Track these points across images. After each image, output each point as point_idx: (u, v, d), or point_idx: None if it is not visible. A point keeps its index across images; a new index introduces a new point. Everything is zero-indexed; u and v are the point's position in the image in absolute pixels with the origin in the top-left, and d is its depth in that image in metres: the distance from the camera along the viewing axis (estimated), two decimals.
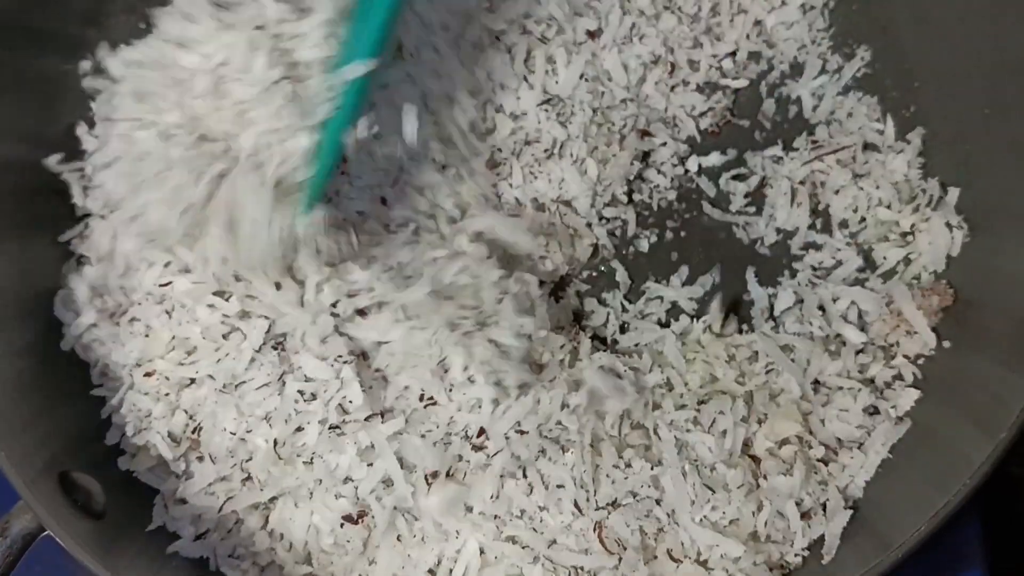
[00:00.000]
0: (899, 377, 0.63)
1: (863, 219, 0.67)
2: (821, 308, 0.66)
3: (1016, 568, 0.73)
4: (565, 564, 0.58)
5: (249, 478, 0.61)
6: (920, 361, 0.63)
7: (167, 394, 0.62)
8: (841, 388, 0.63)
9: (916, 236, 0.65)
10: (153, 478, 0.63)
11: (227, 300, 0.62)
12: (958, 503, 0.53)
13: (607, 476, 0.59)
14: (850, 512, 0.59)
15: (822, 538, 0.59)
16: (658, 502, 0.59)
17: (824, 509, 0.60)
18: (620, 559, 0.58)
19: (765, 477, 0.60)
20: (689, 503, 0.58)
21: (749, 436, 0.61)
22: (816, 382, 0.64)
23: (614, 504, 0.59)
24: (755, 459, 0.61)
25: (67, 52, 0.68)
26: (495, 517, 0.60)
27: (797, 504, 0.59)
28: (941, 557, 0.70)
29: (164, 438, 0.61)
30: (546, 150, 0.68)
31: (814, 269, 0.67)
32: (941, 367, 0.63)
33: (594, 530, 0.58)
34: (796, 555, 0.59)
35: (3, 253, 0.63)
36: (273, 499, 0.61)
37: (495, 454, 0.60)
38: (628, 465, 0.60)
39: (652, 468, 0.59)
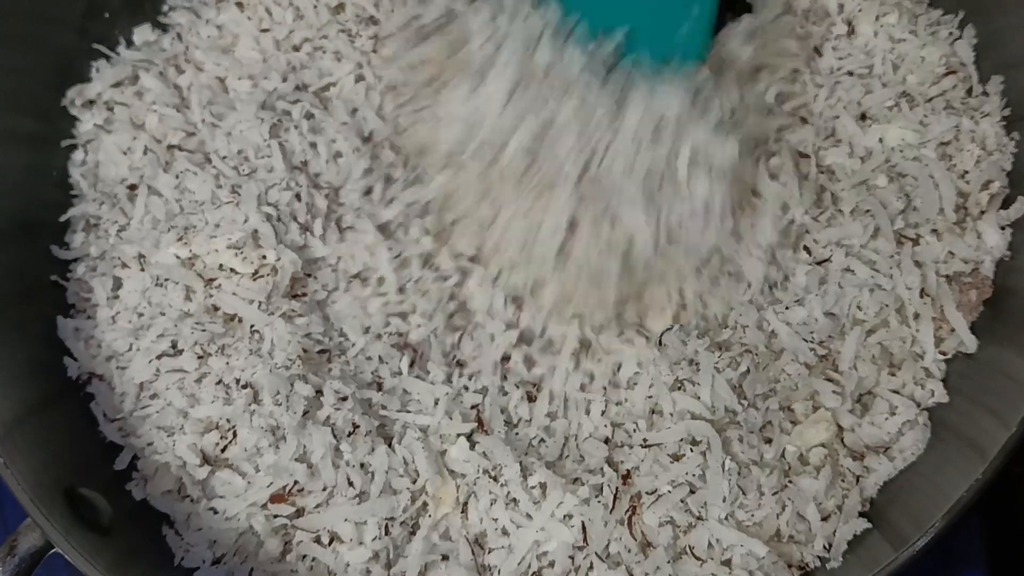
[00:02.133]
0: (928, 374, 0.62)
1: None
2: None
3: (1016, 568, 0.74)
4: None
5: (276, 500, 0.60)
6: (949, 356, 0.62)
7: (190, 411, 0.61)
8: (880, 397, 0.61)
9: (964, 235, 0.63)
10: (166, 503, 0.61)
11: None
12: (971, 497, 0.53)
13: (656, 462, 0.59)
14: (866, 523, 0.58)
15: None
16: (692, 491, 0.58)
17: (841, 511, 0.59)
18: (647, 555, 0.57)
19: (791, 481, 0.59)
20: (721, 500, 0.58)
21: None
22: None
23: (652, 493, 0.58)
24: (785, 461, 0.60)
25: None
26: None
27: (818, 506, 0.59)
28: (941, 557, 0.70)
29: (192, 450, 0.60)
30: None
31: None
32: (965, 361, 0.61)
33: (624, 522, 0.58)
34: (816, 556, 0.58)
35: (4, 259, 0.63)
36: (297, 518, 0.60)
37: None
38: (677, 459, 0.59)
39: (692, 449, 0.59)
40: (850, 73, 0.69)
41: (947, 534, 0.53)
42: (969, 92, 0.67)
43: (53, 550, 0.54)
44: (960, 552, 0.71)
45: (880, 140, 0.67)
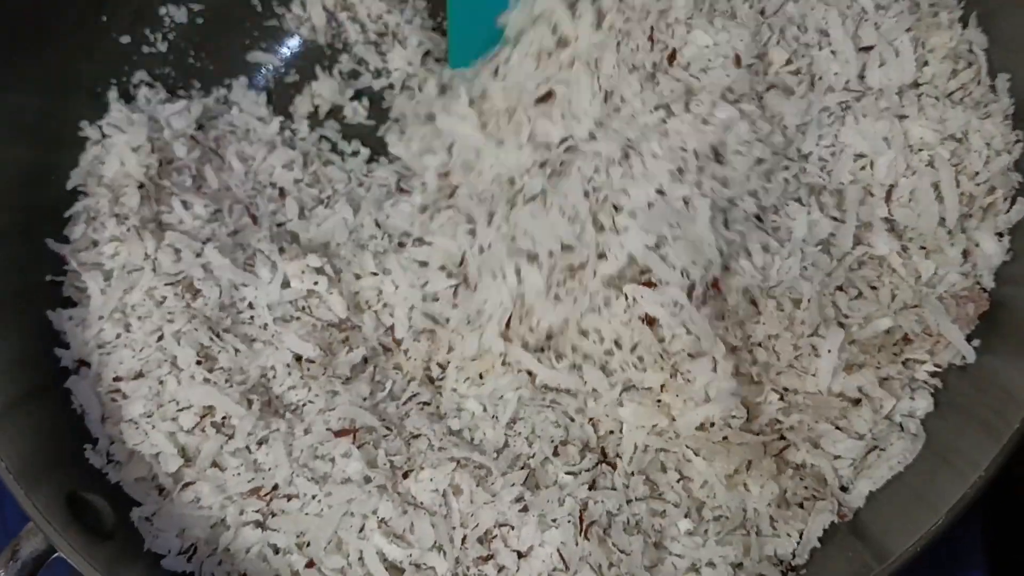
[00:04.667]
0: (919, 384, 0.61)
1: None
2: None
3: (1016, 568, 0.74)
4: None
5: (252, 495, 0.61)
6: (942, 368, 0.60)
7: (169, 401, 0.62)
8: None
9: (954, 248, 0.61)
10: (139, 490, 0.62)
11: None
12: (959, 512, 0.52)
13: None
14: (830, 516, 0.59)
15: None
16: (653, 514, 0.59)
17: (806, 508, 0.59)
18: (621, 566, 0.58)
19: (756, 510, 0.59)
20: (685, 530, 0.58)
21: None
22: None
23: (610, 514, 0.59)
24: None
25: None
26: None
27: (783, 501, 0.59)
28: (941, 557, 0.70)
29: (170, 439, 0.61)
30: None
31: None
32: (957, 371, 0.60)
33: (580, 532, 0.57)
34: (792, 553, 0.59)
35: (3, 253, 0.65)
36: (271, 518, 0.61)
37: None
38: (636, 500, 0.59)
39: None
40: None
41: (942, 538, 0.53)
42: (978, 83, 0.65)
43: (55, 554, 0.55)
44: (959, 552, 0.71)
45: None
